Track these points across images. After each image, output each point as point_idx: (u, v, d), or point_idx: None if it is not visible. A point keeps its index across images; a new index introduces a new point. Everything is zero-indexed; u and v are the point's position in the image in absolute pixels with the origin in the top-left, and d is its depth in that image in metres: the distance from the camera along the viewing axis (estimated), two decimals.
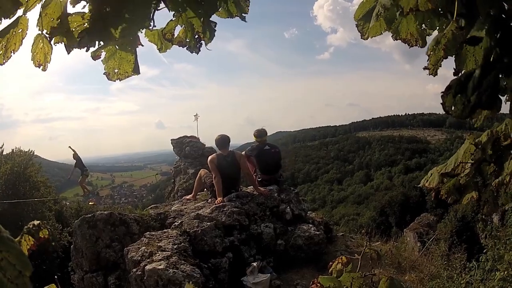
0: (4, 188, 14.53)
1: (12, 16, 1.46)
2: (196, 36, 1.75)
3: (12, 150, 16.22)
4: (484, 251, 6.01)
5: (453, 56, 1.34)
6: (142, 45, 1.70)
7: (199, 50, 1.79)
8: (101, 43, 1.56)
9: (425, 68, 1.46)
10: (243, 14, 1.77)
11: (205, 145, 14.49)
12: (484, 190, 2.23)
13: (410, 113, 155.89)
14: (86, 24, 1.48)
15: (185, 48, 1.79)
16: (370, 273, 1.61)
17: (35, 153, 16.66)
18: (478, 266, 5.73)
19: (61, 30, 1.53)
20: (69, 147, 16.46)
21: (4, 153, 16.13)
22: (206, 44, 1.78)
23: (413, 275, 5.75)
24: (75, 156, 16.28)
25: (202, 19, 1.68)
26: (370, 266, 2.75)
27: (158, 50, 1.83)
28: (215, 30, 1.74)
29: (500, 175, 2.13)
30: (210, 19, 1.70)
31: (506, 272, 4.84)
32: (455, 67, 1.22)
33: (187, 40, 1.77)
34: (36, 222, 1.02)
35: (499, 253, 5.45)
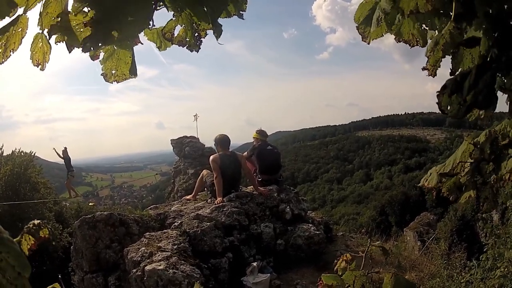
0: (5, 189, 14.51)
1: (12, 15, 1.46)
2: (196, 34, 1.75)
3: (13, 151, 16.22)
4: (484, 250, 6.02)
5: (450, 56, 1.34)
6: (142, 43, 1.70)
7: (199, 48, 1.79)
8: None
9: (423, 68, 1.46)
10: (240, 12, 1.76)
11: (204, 145, 14.49)
12: (484, 188, 2.22)
13: (409, 112, 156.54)
14: (86, 23, 1.48)
15: (185, 47, 1.79)
16: (373, 271, 1.62)
17: (35, 155, 16.64)
18: (478, 265, 5.74)
19: (61, 28, 1.52)
20: (53, 149, 16.39)
21: (5, 154, 16.12)
22: (217, 40, 1.77)
23: (413, 274, 5.75)
24: (64, 154, 16.19)
25: (210, 18, 1.68)
26: (370, 266, 2.75)
27: (157, 49, 1.83)
28: (221, 25, 1.74)
29: (498, 174, 2.13)
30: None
31: (506, 269, 4.85)
32: (451, 68, 1.22)
33: (187, 39, 1.77)
34: (36, 222, 1.02)
35: (499, 252, 5.45)
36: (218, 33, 1.73)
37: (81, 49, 1.53)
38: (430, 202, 35.56)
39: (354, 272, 1.58)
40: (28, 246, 0.99)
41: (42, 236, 1.02)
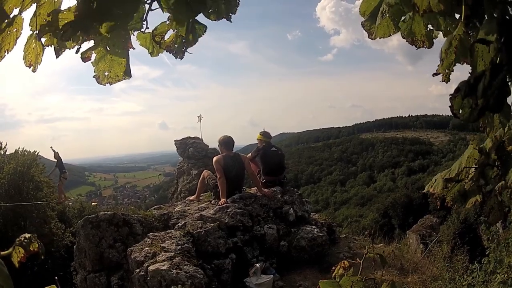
0: (8, 188, 14.57)
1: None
2: (184, 41, 1.71)
3: (16, 150, 16.28)
4: (486, 253, 6.00)
5: (463, 61, 1.33)
6: (134, 48, 1.65)
7: (183, 55, 1.75)
8: (91, 42, 1.53)
9: (434, 74, 1.44)
10: (230, 14, 1.72)
11: (208, 146, 14.53)
12: (489, 196, 2.20)
13: (413, 115, 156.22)
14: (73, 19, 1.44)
15: (171, 53, 1.73)
16: (370, 277, 1.61)
17: (38, 154, 16.70)
18: (480, 268, 5.72)
19: (51, 29, 1.51)
20: (51, 147, 16.40)
21: (8, 153, 16.18)
22: (187, 47, 1.71)
23: (415, 277, 5.74)
24: (56, 155, 16.17)
25: (190, 20, 1.64)
26: (373, 268, 2.75)
27: (149, 54, 1.78)
28: (206, 29, 1.72)
29: (504, 180, 2.11)
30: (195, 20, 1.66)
31: (506, 275, 4.83)
32: (470, 71, 1.20)
33: (176, 46, 1.71)
34: (27, 235, 1.06)
35: (500, 256, 5.43)
36: (194, 37, 1.69)
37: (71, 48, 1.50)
38: (433, 205, 35.45)
39: (352, 278, 1.58)
40: (18, 259, 1.04)
41: (32, 249, 1.06)
